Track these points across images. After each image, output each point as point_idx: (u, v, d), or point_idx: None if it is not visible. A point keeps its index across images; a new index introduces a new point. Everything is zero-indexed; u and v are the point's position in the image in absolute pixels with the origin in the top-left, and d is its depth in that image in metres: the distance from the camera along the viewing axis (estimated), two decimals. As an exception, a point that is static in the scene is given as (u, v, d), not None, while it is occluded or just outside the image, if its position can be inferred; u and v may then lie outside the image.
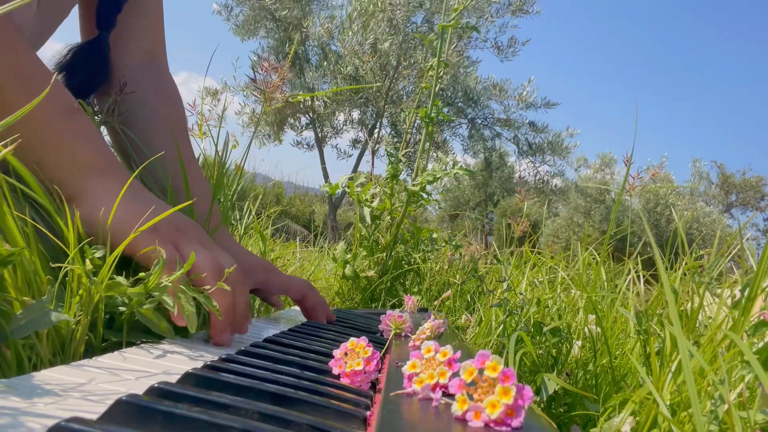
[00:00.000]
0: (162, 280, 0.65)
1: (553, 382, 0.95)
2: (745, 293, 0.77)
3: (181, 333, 0.70)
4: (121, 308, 0.65)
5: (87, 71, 1.04)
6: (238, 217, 2.08)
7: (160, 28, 1.19)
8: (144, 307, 0.64)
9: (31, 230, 0.61)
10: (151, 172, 1.04)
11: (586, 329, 1.18)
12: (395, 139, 12.37)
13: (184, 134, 1.17)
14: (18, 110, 0.65)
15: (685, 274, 1.01)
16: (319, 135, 12.85)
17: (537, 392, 0.96)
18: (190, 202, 0.85)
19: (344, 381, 0.58)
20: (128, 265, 0.72)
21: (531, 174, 13.23)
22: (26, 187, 0.68)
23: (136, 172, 0.79)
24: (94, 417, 0.37)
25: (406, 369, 0.51)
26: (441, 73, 1.99)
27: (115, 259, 0.63)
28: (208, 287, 0.70)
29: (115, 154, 0.80)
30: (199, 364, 0.55)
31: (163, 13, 1.20)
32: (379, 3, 10.95)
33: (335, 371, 0.59)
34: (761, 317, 0.70)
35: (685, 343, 0.59)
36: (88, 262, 0.61)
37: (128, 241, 0.67)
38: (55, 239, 0.66)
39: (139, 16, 1.13)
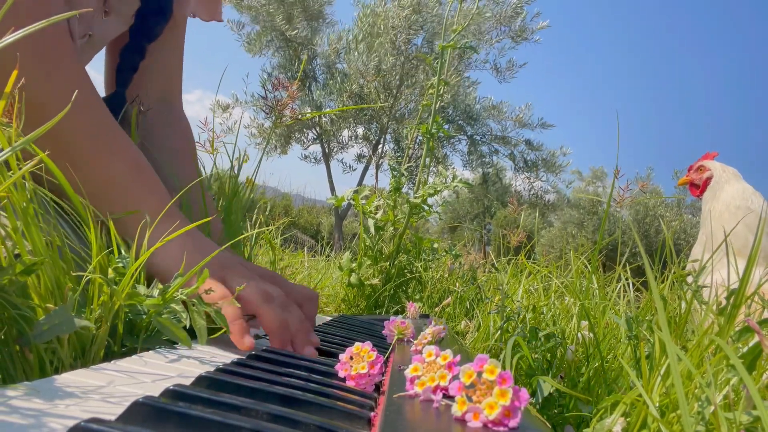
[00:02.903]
0: (178, 293, 0.66)
1: (548, 385, 0.95)
2: (731, 301, 0.77)
3: (195, 340, 0.70)
4: (141, 316, 0.65)
5: None
6: (248, 228, 2.08)
7: (175, 72, 1.25)
8: (162, 316, 0.64)
9: (54, 240, 0.61)
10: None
11: (579, 334, 1.18)
12: (398, 154, 12.39)
13: (193, 165, 1.23)
14: (88, 162, 0.73)
15: (673, 283, 1.01)
16: (326, 150, 12.87)
17: (533, 394, 0.96)
18: (205, 220, 0.86)
19: (350, 383, 0.58)
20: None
21: (526, 189, 13.25)
22: (63, 198, 0.69)
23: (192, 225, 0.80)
24: (113, 418, 0.37)
25: (409, 372, 0.51)
26: (441, 92, 2.00)
27: (137, 270, 0.63)
28: (220, 303, 0.71)
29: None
30: (212, 368, 0.55)
31: (181, 58, 1.26)
32: (383, 26, 10.99)
33: (341, 374, 0.59)
34: (746, 323, 0.70)
35: (674, 348, 0.59)
36: (110, 270, 0.62)
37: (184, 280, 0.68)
38: (80, 249, 0.66)
39: (157, 61, 1.18)
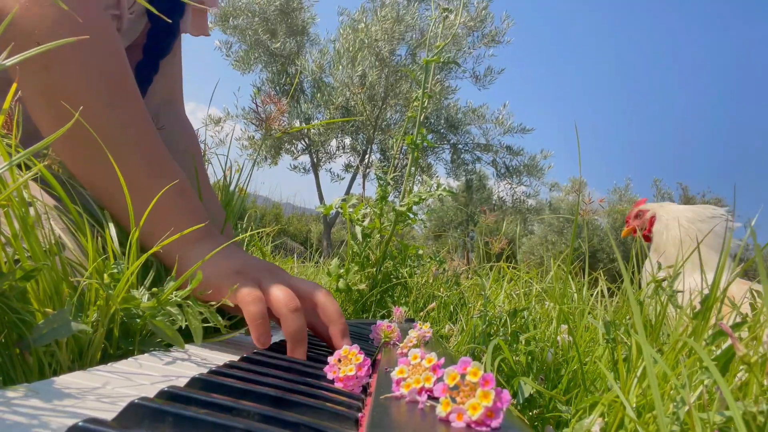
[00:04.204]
0: (172, 295, 0.66)
1: (528, 386, 0.95)
2: (705, 305, 0.78)
3: (189, 343, 0.70)
4: (135, 319, 0.65)
5: None
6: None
7: (177, 79, 1.32)
8: (157, 318, 0.64)
9: (50, 247, 0.61)
10: None
11: (558, 338, 1.18)
12: (384, 164, 12.41)
13: (202, 165, 1.28)
14: (142, 189, 0.77)
15: (644, 288, 1.02)
16: (315, 160, 12.87)
17: (514, 395, 0.96)
18: (241, 237, 0.86)
19: (338, 385, 0.58)
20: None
21: (509, 195, 13.28)
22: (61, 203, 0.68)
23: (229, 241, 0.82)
24: (110, 418, 0.37)
25: (395, 374, 0.52)
26: (425, 103, 2.00)
27: (132, 274, 0.63)
28: (214, 302, 0.73)
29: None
30: (205, 370, 0.55)
31: (180, 66, 1.33)
32: (366, 39, 11.00)
33: (330, 376, 0.59)
34: (719, 327, 0.70)
35: (650, 351, 0.60)
36: (106, 276, 0.62)
37: (193, 283, 0.71)
38: (78, 256, 0.66)
39: (162, 69, 1.22)
